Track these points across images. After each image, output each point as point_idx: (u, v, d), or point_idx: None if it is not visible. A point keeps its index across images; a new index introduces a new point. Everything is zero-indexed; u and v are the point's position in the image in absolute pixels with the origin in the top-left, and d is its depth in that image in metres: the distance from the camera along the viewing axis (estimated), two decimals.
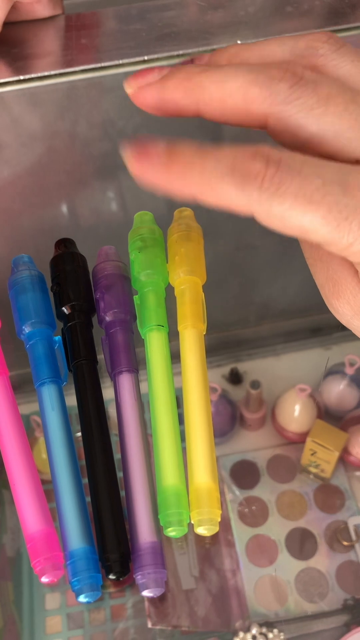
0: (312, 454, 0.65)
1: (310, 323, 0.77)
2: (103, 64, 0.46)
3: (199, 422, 0.29)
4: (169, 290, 0.36)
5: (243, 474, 0.70)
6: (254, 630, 0.60)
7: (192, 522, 0.28)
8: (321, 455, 0.65)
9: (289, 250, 0.67)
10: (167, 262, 0.35)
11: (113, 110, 0.51)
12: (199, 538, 0.66)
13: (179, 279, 0.34)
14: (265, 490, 0.69)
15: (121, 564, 0.27)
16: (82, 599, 0.26)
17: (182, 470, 0.29)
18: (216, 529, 0.28)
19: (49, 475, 0.64)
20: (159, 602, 0.58)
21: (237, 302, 0.73)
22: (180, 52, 0.46)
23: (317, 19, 0.47)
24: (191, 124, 0.53)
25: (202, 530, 0.27)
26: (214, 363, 0.76)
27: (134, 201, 0.59)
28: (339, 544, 0.66)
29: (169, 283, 0.35)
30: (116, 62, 0.46)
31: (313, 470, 0.68)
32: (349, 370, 0.68)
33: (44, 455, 0.66)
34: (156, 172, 0.23)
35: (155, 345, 0.32)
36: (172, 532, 0.27)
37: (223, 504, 0.69)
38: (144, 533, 0.27)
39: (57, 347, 0.33)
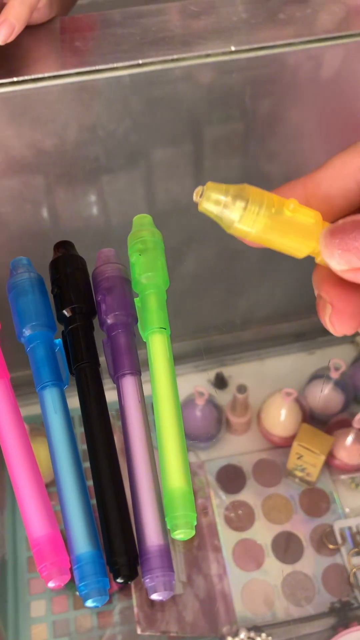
0: (298, 458, 0.66)
1: (294, 328, 0.77)
2: (98, 67, 0.46)
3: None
4: (169, 292, 0.37)
5: (229, 478, 0.70)
6: (242, 635, 0.60)
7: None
8: (307, 459, 0.65)
9: (274, 256, 0.68)
10: (166, 265, 0.35)
11: (104, 113, 0.51)
12: (186, 543, 0.66)
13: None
14: (251, 495, 0.69)
15: (129, 567, 0.26)
16: (90, 603, 0.26)
17: (188, 473, 0.29)
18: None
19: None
20: (147, 608, 0.57)
21: (222, 306, 0.73)
22: (175, 56, 0.46)
23: (308, 27, 0.48)
24: (178, 129, 0.54)
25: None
26: (200, 367, 0.76)
27: (124, 204, 0.59)
28: (325, 548, 0.66)
29: (169, 285, 0.35)
30: (111, 66, 0.46)
31: (299, 474, 0.68)
32: (334, 374, 0.69)
33: None
34: None
35: (158, 348, 0.32)
36: (179, 534, 0.27)
37: (209, 508, 0.69)
38: (152, 536, 0.27)
39: (57, 350, 0.33)
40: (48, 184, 0.55)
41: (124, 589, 0.63)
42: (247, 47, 0.46)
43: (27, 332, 0.33)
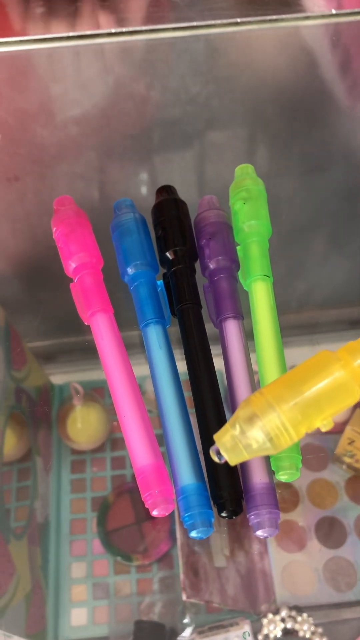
0: (349, 443, 0.65)
1: (349, 314, 0.76)
2: (195, 24, 0.45)
3: None
4: None
5: None
6: (284, 613, 0.59)
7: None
8: (359, 444, 0.64)
9: (338, 238, 0.67)
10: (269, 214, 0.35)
11: (189, 75, 0.50)
12: (231, 520, 0.65)
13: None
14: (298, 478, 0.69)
15: (234, 502, 0.26)
16: (195, 534, 0.26)
17: None
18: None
19: (81, 444, 0.62)
20: (193, 576, 0.57)
21: (281, 286, 0.72)
22: (274, 17, 0.45)
23: None
24: (262, 98, 0.53)
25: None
26: (251, 348, 0.76)
27: (205, 166, 0.58)
28: None
29: (272, 234, 0.34)
30: (208, 23, 0.45)
31: (347, 460, 0.67)
32: None
33: (79, 425, 0.66)
34: None
35: (261, 295, 0.32)
36: (284, 475, 0.27)
37: None
38: (258, 474, 0.27)
39: (159, 291, 0.33)
40: (124, 145, 0.55)
41: (165, 558, 0.63)
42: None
43: (131, 270, 0.32)
